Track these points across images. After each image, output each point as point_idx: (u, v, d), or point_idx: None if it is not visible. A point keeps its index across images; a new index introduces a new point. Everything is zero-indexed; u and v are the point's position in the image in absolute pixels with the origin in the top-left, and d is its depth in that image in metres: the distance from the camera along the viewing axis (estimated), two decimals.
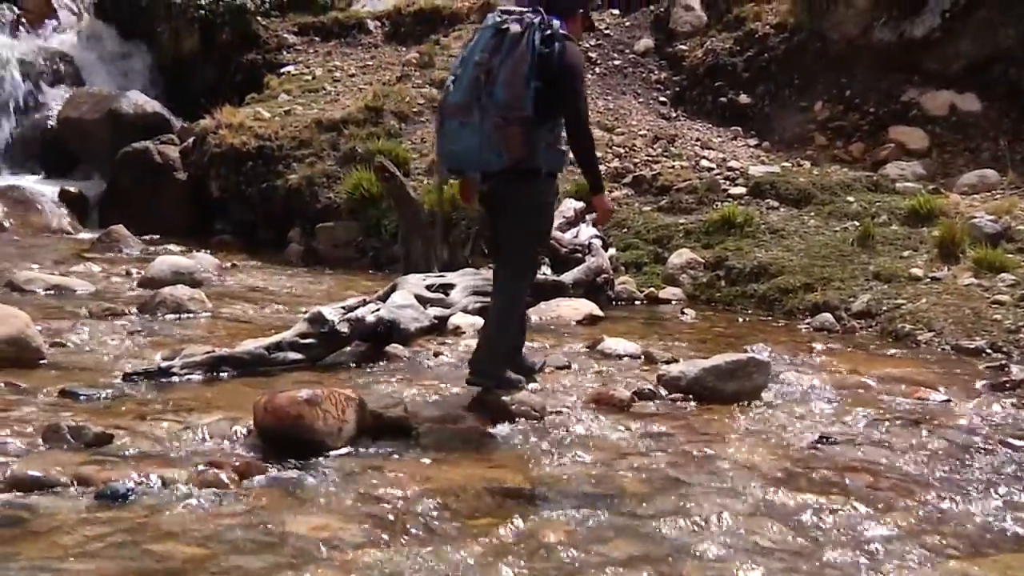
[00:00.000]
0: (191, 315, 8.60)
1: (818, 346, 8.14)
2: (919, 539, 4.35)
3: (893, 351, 8.12)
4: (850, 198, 11.46)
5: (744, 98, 14.35)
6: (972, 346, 7.98)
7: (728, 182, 12.12)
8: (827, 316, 9.08)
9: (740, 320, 9.40)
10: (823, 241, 10.49)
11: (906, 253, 10.03)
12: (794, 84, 14.28)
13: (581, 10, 6.46)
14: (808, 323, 9.10)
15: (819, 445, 5.62)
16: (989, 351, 7.88)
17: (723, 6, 15.73)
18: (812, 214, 11.25)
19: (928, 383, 6.97)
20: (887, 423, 6.04)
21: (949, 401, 6.58)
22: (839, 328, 8.92)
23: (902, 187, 11.72)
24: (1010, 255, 9.51)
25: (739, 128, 13.94)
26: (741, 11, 15.35)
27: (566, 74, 6.00)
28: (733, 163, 12.66)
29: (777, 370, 6.98)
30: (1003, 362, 7.54)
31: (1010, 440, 5.75)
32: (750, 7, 15.32)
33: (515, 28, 5.97)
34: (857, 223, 10.74)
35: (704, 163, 12.76)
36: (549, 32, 5.97)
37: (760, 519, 4.53)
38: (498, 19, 6.08)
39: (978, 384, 7.01)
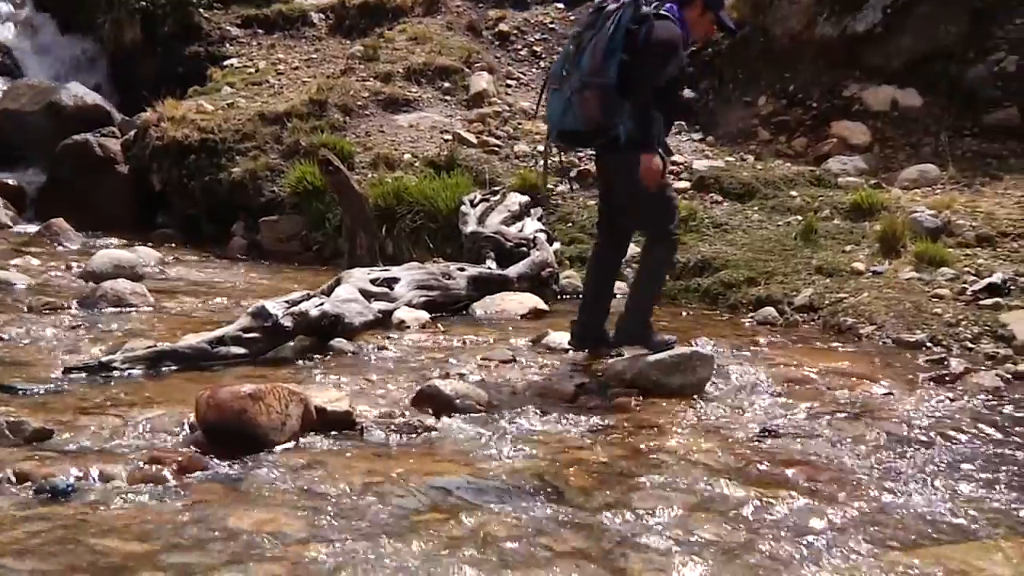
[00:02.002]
0: (132, 309, 8.53)
1: (761, 340, 8.18)
2: (860, 531, 4.38)
3: (835, 344, 8.17)
4: (793, 192, 11.53)
5: (688, 93, 14.38)
6: (913, 340, 8.04)
7: (672, 176, 12.15)
8: (770, 310, 9.13)
9: (684, 314, 9.43)
10: (766, 235, 10.55)
11: (848, 247, 10.10)
12: (738, 79, 14.36)
13: (700, 3, 6.68)
14: (752, 317, 9.14)
15: (762, 438, 5.65)
16: (929, 344, 7.94)
17: None
18: (755, 208, 11.31)
19: (869, 376, 7.02)
20: (829, 416, 6.08)
21: (890, 394, 6.63)
22: (782, 322, 8.97)
23: (844, 182, 11.81)
24: (950, 249, 9.59)
25: (683, 123, 13.98)
26: None
27: (646, 49, 6.36)
28: (677, 157, 12.69)
29: (721, 364, 7.02)
30: (942, 355, 7.61)
31: (949, 432, 5.81)
32: None
33: (611, 6, 6.50)
34: (800, 217, 10.82)
35: None
36: (643, 12, 6.40)
37: (703, 512, 4.55)
38: (600, 1, 6.64)
39: (918, 377, 7.06)
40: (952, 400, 6.51)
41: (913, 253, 9.57)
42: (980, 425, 5.99)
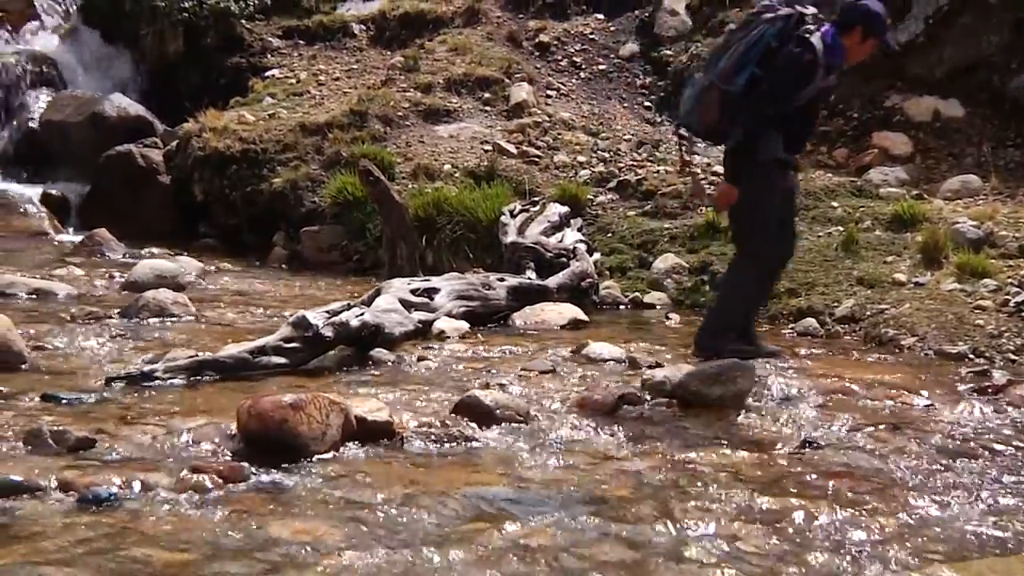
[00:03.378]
0: (174, 319, 8.58)
1: (802, 351, 8.15)
2: (901, 543, 4.35)
3: (876, 356, 8.13)
4: (834, 203, 11.49)
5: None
6: (955, 351, 7.99)
7: (712, 187, 12.13)
8: (811, 321, 9.10)
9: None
10: (807, 246, 10.50)
11: (890, 258, 10.05)
12: None
13: (860, 28, 6.66)
14: (792, 328, 9.11)
15: (803, 450, 5.62)
16: (971, 356, 7.89)
17: (708, 11, 15.77)
18: (797, 219, 11.26)
19: (911, 388, 6.97)
20: (870, 428, 6.05)
21: (932, 406, 6.59)
22: (823, 333, 8.93)
23: (886, 192, 11.76)
24: (992, 260, 9.53)
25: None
26: (726, 16, 15.38)
27: (777, 70, 6.46)
28: (718, 168, 12.65)
29: (761, 375, 6.98)
30: (985, 367, 7.56)
31: (992, 445, 5.77)
32: (734, 13, 15.34)
33: (766, 16, 6.59)
34: (841, 228, 10.77)
35: (693, 169, 12.76)
36: (791, 32, 6.48)
37: (744, 524, 4.53)
38: (764, 5, 6.70)
39: (960, 389, 7.01)
40: (995, 412, 6.46)
41: (955, 264, 9.52)
42: (1023, 437, 5.95)
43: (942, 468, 5.39)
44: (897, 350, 8.29)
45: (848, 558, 4.19)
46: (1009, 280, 9.08)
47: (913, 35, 13.31)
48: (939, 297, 9.00)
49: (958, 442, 5.83)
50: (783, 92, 6.52)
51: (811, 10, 6.63)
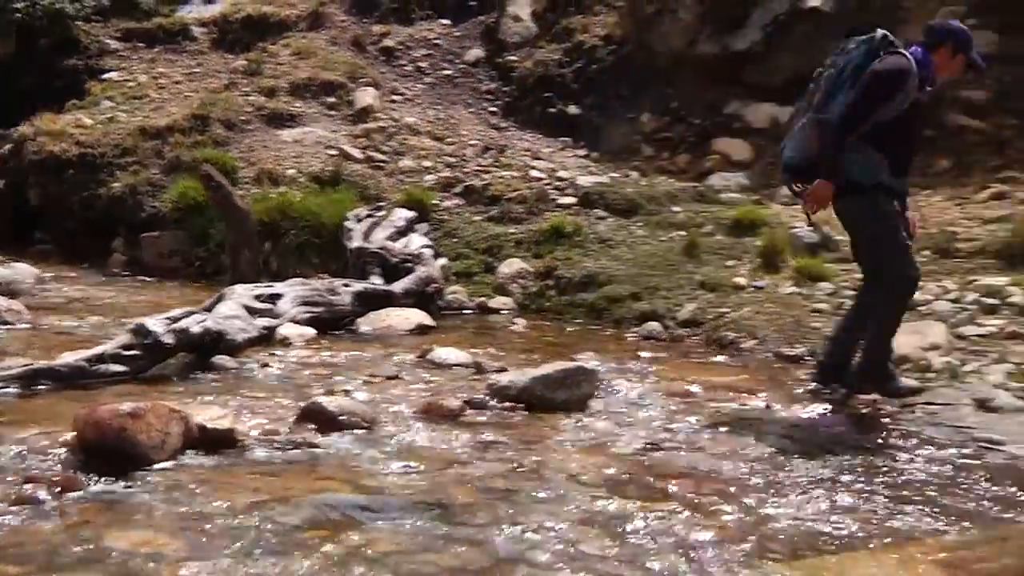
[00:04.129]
0: (7, 326, 8.34)
1: (645, 354, 8.24)
2: (741, 543, 4.42)
3: (718, 358, 8.27)
4: (676, 208, 11.66)
5: (573, 109, 14.52)
6: (793, 353, 8.17)
7: (557, 192, 12.24)
8: (654, 325, 9.21)
9: (569, 329, 9.48)
10: (650, 251, 10.65)
11: (730, 262, 10.23)
12: (622, 96, 14.49)
13: (951, 45, 6.60)
14: (636, 331, 9.22)
15: (646, 452, 5.68)
16: (809, 358, 8.06)
17: (552, 18, 15.88)
18: (640, 224, 11.41)
19: (751, 390, 7.11)
20: (711, 429, 6.14)
21: (771, 407, 6.71)
22: (666, 336, 9.05)
23: (726, 197, 11.97)
24: (829, 264, 9.77)
25: (568, 138, 14.09)
26: (570, 23, 15.53)
27: (864, 79, 6.35)
28: (562, 173, 12.78)
29: (605, 378, 7.06)
30: None
31: (827, 444, 5.90)
32: (579, 19, 15.52)
33: (851, 46, 6.56)
34: (683, 233, 10.94)
35: (534, 173, 12.85)
36: (878, 50, 6.41)
37: (587, 527, 4.55)
38: (849, 40, 6.65)
39: (799, 390, 7.16)
40: (832, 412, 6.62)
41: (793, 268, 9.73)
42: (858, 437, 6.11)
43: (781, 468, 5.49)
44: (738, 353, 8.44)
45: (688, 559, 4.24)
46: (844, 283, 9.30)
47: (751, 43, 13.58)
48: (778, 300, 9.18)
49: (796, 442, 5.95)
50: (869, 100, 6.40)
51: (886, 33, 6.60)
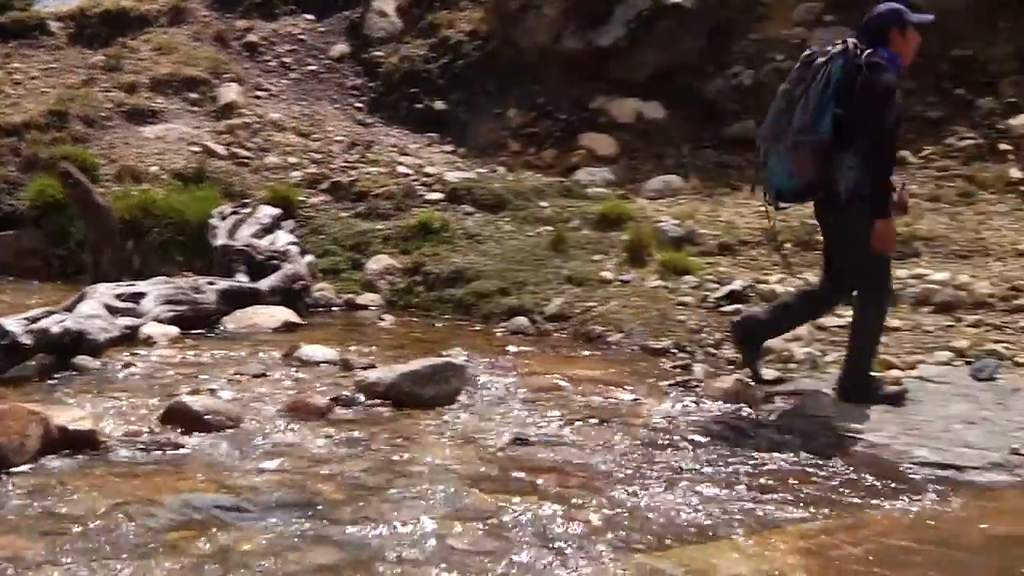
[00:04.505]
0: None
1: (513, 349, 8.28)
2: (607, 535, 4.47)
3: (585, 352, 8.33)
4: (543, 203, 11.72)
5: (440, 104, 14.51)
6: (659, 346, 8.26)
7: (425, 188, 12.22)
8: (522, 320, 9.25)
9: (438, 325, 9.48)
10: (518, 246, 10.68)
11: (597, 257, 10.31)
12: (488, 91, 14.52)
13: (896, 29, 6.51)
14: (504, 327, 9.24)
15: (513, 447, 5.71)
16: (674, 351, 8.16)
17: (417, 13, 15.86)
18: (507, 219, 11.45)
19: (618, 383, 7.18)
20: (579, 423, 6.19)
21: (637, 400, 6.79)
22: (534, 331, 9.09)
23: (593, 192, 12.06)
24: (693, 258, 9.90)
25: (435, 134, 14.08)
26: (435, 18, 15.53)
27: (863, 100, 6.23)
28: (430, 169, 12.77)
29: (474, 374, 7.07)
30: (687, 361, 7.84)
31: (692, 436, 5.99)
32: (444, 14, 15.52)
33: (819, 60, 6.41)
34: (550, 228, 10.99)
35: (401, 169, 12.82)
36: (855, 62, 6.28)
37: (455, 522, 4.56)
38: (808, 52, 6.56)
39: (664, 383, 7.24)
40: (696, 404, 6.71)
41: (659, 262, 9.84)
42: (721, 428, 6.20)
43: (647, 460, 5.56)
44: (605, 346, 8.52)
45: (555, 552, 4.27)
46: (709, 277, 9.45)
47: (615, 39, 13.70)
48: (644, 294, 9.28)
49: (662, 434, 6.03)
50: (880, 119, 6.28)
51: (852, 40, 6.52)
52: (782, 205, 6.86)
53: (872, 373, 6.76)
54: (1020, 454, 5.75)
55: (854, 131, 6.27)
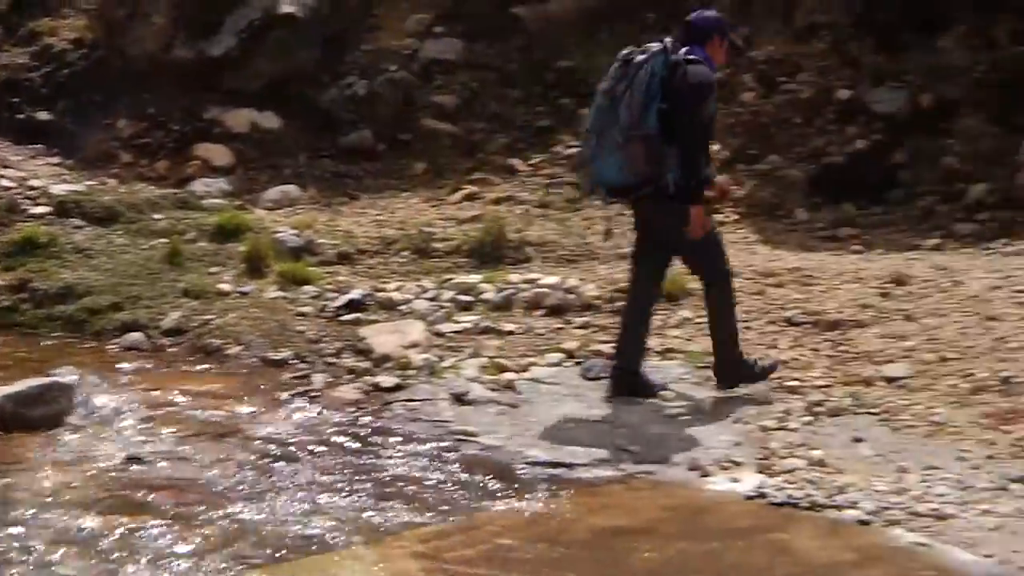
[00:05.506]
0: None
1: (127, 366, 8.02)
2: (223, 550, 4.42)
3: (203, 366, 8.16)
4: (158, 216, 11.40)
5: (44, 115, 13.88)
6: (278, 358, 8.18)
7: (30, 202, 11.65)
8: (137, 335, 8.96)
9: (46, 343, 9.07)
10: (131, 260, 10.35)
11: (215, 269, 10.13)
12: (96, 101, 14.00)
13: (717, 36, 6.86)
14: (117, 343, 8.92)
15: (126, 465, 5.56)
16: (294, 361, 8.10)
17: (16, 19, 15.17)
18: (120, 233, 11.07)
19: (236, 396, 7.08)
20: (196, 439, 6.09)
21: (256, 412, 6.72)
22: (149, 346, 8.82)
23: (209, 204, 11.83)
24: (312, 268, 9.87)
25: (40, 146, 13.46)
26: (37, 26, 14.87)
27: (681, 94, 6.51)
28: (34, 182, 12.18)
29: (85, 393, 6.82)
30: (307, 372, 7.80)
31: (311, 447, 6.00)
32: (46, 22, 14.89)
33: (639, 58, 6.58)
34: (166, 240, 10.71)
35: (3, 183, 12.18)
36: (673, 58, 6.54)
37: (63, 546, 4.40)
38: (627, 52, 6.69)
39: (284, 394, 7.19)
40: (315, 415, 6.70)
41: (277, 273, 9.76)
42: (341, 437, 6.23)
43: (265, 473, 5.53)
44: (223, 359, 8.36)
45: (169, 571, 4.19)
46: (328, 286, 9.45)
47: (227, 48, 13.51)
48: (263, 305, 9.18)
49: (281, 446, 6.00)
50: (700, 113, 6.61)
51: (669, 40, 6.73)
52: (611, 200, 7.16)
53: (742, 352, 7.02)
54: (624, 450, 6.05)
55: (680, 125, 6.57)
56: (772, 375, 6.99)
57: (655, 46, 6.71)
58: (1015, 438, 5.88)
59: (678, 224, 6.68)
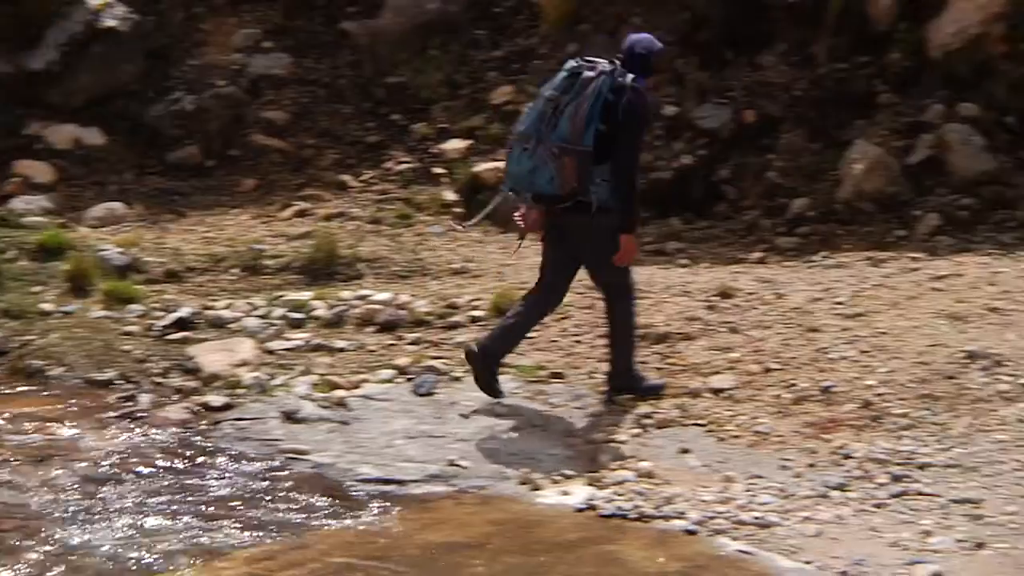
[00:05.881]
0: None
1: None
2: None
3: (23, 389, 7.93)
4: None
5: None
6: (103, 378, 7.99)
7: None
8: None
9: None
10: None
11: (36, 288, 9.85)
12: None
13: (655, 59, 7.00)
14: None
15: None
16: (120, 382, 7.93)
17: None
18: None
19: (58, 418, 6.90)
20: (16, 462, 5.93)
21: (80, 434, 6.57)
22: None
23: (30, 222, 11.51)
24: (139, 286, 9.67)
25: None
26: None
27: (626, 121, 6.63)
28: None
29: None
30: (132, 392, 7.64)
31: (137, 468, 5.89)
32: None
33: (588, 74, 6.68)
34: None
35: None
36: (620, 82, 6.62)
37: None
38: (575, 64, 6.80)
39: (108, 415, 7.03)
40: (141, 435, 6.57)
41: (102, 291, 9.54)
42: (168, 458, 6.13)
43: (89, 496, 5.41)
44: (45, 381, 8.14)
45: None
46: (155, 304, 9.26)
47: (49, 63, 13.18)
48: (87, 325, 8.97)
49: (105, 468, 5.89)
50: (640, 140, 6.93)
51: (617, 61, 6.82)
52: (533, 205, 7.09)
53: (635, 366, 7.13)
54: (455, 465, 6.07)
55: (611, 148, 6.67)
56: (660, 392, 7.09)
57: (603, 64, 6.83)
58: (834, 446, 6.06)
59: (599, 241, 6.84)
